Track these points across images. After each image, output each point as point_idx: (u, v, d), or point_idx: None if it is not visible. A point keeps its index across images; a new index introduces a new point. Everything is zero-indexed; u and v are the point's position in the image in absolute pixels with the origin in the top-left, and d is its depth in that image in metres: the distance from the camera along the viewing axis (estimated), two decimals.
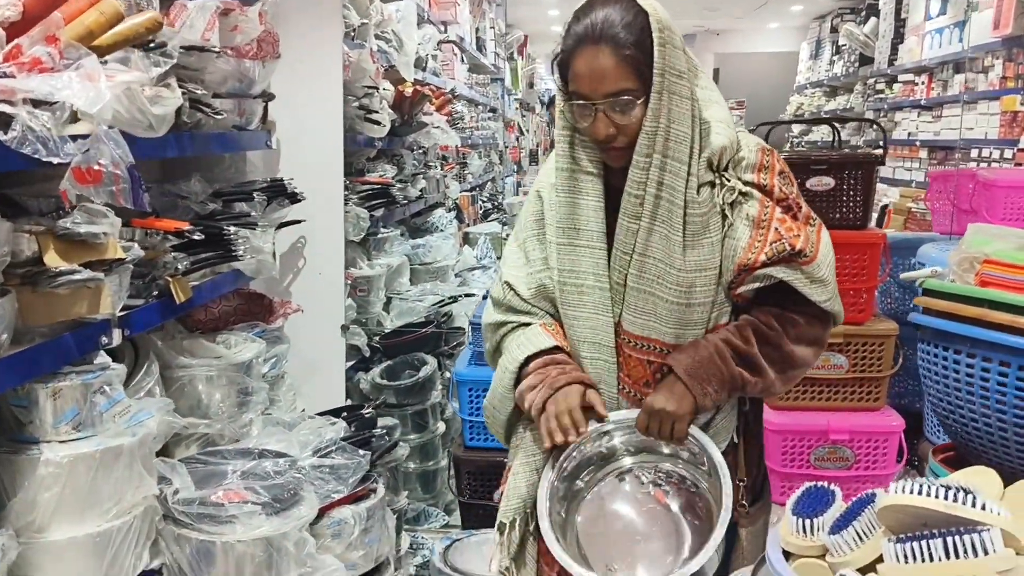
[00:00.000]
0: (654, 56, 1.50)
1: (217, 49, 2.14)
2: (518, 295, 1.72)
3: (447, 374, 3.58)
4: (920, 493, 1.20)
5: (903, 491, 1.22)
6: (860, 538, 1.23)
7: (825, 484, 1.37)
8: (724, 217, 1.57)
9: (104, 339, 1.75)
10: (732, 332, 1.60)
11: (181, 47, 2.03)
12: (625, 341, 1.63)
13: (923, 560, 1.15)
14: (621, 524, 1.62)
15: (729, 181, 1.57)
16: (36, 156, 1.25)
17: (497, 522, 1.71)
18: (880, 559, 1.20)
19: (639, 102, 1.51)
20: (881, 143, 8.60)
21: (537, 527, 1.60)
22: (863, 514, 1.24)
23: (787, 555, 1.31)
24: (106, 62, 1.46)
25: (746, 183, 1.58)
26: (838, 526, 1.25)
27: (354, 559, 2.09)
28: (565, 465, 1.64)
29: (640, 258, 1.57)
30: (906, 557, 1.16)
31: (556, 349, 1.67)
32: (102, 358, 1.77)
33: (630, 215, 1.57)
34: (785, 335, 1.60)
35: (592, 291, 1.62)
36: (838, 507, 1.32)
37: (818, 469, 2.55)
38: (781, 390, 1.65)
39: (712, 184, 1.57)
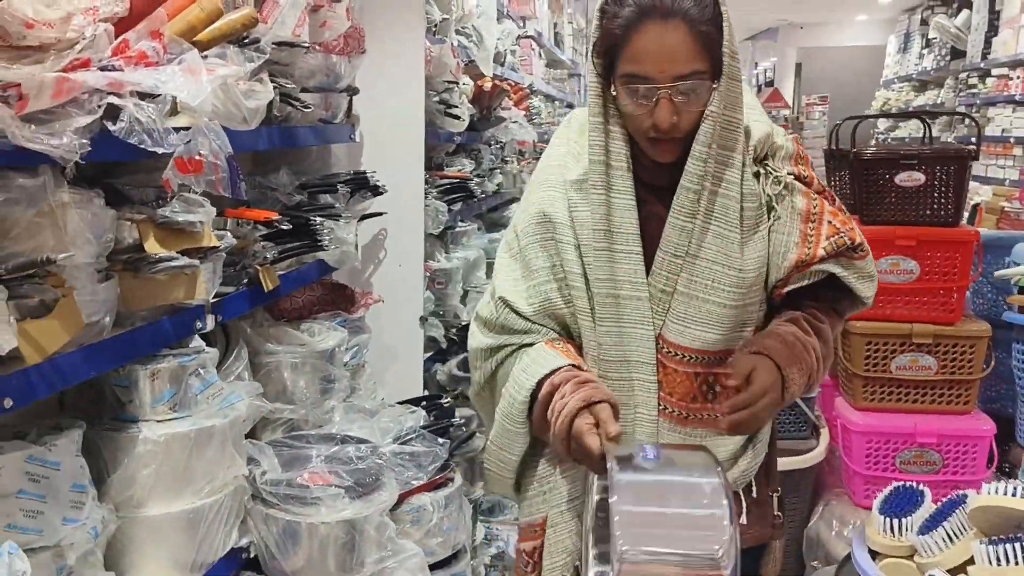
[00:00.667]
0: (723, 34, 1.33)
1: (307, 45, 2.20)
2: (516, 312, 1.49)
3: None
4: (1014, 495, 1.17)
5: (996, 492, 1.19)
6: (950, 539, 1.20)
7: (914, 484, 1.34)
8: (770, 210, 1.44)
9: (199, 324, 1.82)
10: (793, 324, 1.45)
11: (273, 43, 2.09)
12: (667, 354, 1.45)
13: (1016, 563, 1.11)
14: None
15: (776, 171, 1.44)
16: (142, 146, 1.31)
17: None
18: (971, 560, 1.17)
19: (711, 86, 1.34)
20: (974, 140, 8.30)
21: None
22: (954, 515, 1.21)
23: (873, 555, 1.29)
24: (206, 57, 1.52)
25: (788, 174, 1.46)
26: (927, 526, 1.22)
27: (432, 545, 2.12)
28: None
29: (691, 261, 1.41)
30: (998, 559, 1.13)
31: (572, 368, 1.43)
32: (197, 342, 1.83)
33: (686, 213, 1.40)
34: (832, 329, 1.50)
35: (629, 301, 1.43)
36: (927, 507, 1.29)
37: (904, 473, 2.48)
38: (815, 388, 1.56)
39: (757, 175, 1.44)
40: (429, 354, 3.38)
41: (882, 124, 10.86)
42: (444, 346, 3.48)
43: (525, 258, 1.50)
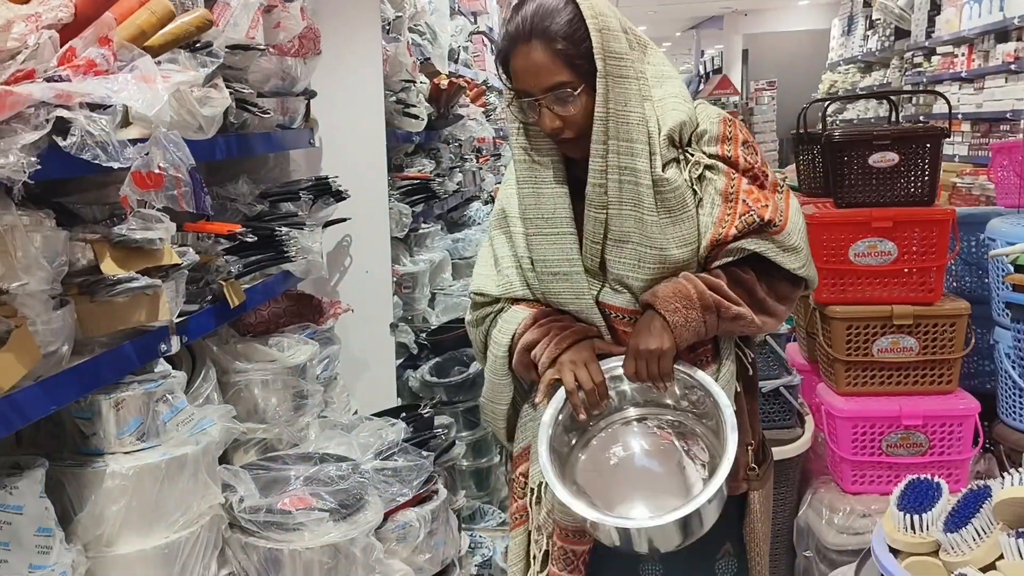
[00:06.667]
0: (592, 44, 1.49)
1: (262, 47, 2.10)
2: (487, 295, 1.72)
3: None
4: None
5: (1020, 483, 1.14)
6: (979, 535, 1.15)
7: (929, 477, 1.30)
8: (694, 192, 1.57)
9: (163, 347, 1.72)
10: (701, 274, 1.59)
11: (226, 46, 1.99)
12: (615, 318, 1.63)
13: None
14: (624, 463, 1.59)
15: (693, 156, 1.57)
16: (96, 162, 1.20)
17: (530, 489, 1.69)
18: (1000, 556, 1.12)
19: (578, 93, 1.51)
20: (923, 118, 8.37)
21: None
22: (981, 510, 1.16)
23: (894, 552, 1.24)
24: (159, 63, 1.42)
25: (710, 156, 1.58)
26: (954, 523, 1.18)
27: (420, 563, 2.04)
28: (564, 410, 1.60)
29: (617, 245, 1.57)
30: None
31: (535, 317, 1.66)
32: (162, 366, 1.73)
33: (596, 205, 1.56)
34: (758, 284, 1.59)
35: (569, 276, 1.61)
36: (946, 501, 1.25)
37: (891, 456, 2.46)
38: (759, 327, 1.60)
39: (677, 160, 1.57)
40: (399, 361, 3.30)
41: (831, 106, 10.95)
42: (415, 351, 3.39)
43: (494, 246, 1.73)
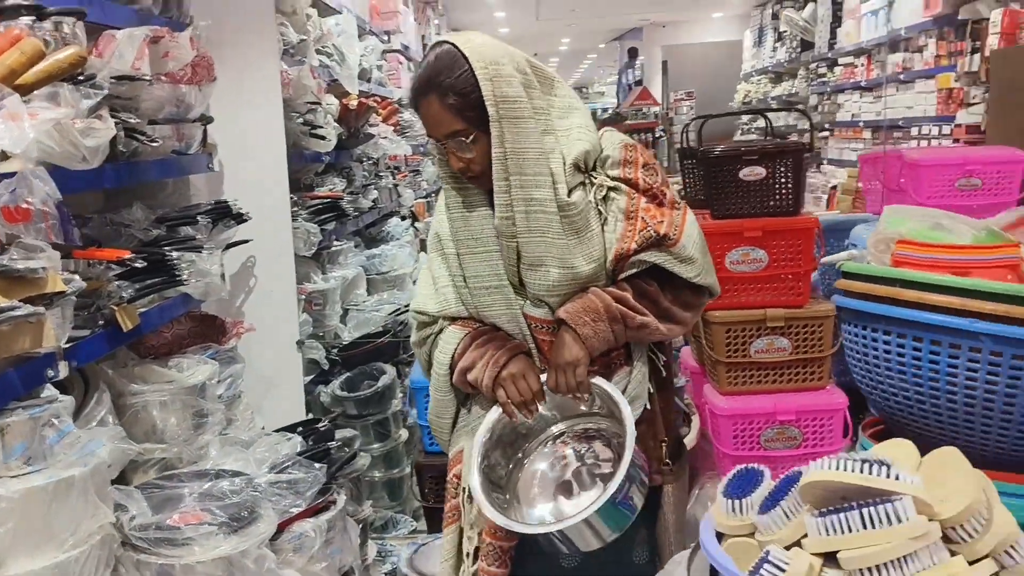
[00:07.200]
0: (482, 92, 1.63)
1: (149, 77, 2.16)
2: (427, 314, 1.86)
3: (407, 382, 3.62)
4: (838, 468, 1.27)
5: (822, 467, 1.28)
6: (787, 516, 1.29)
7: (755, 465, 1.43)
8: (599, 212, 1.73)
9: (50, 372, 1.77)
10: (610, 288, 1.75)
11: (112, 77, 2.05)
12: (537, 328, 1.77)
13: (842, 532, 1.21)
14: (539, 480, 1.78)
15: (596, 179, 1.73)
16: None
17: (463, 490, 1.83)
18: (805, 535, 1.26)
19: (471, 140, 1.68)
20: (828, 125, 8.70)
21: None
22: (790, 493, 1.29)
23: (720, 537, 1.37)
24: (28, 101, 1.48)
25: (613, 179, 1.74)
26: (767, 506, 1.31)
27: (317, 571, 2.12)
28: (497, 428, 1.77)
29: (531, 268, 1.72)
30: (827, 530, 1.22)
31: (470, 334, 1.80)
32: (49, 391, 1.78)
33: (506, 235, 1.71)
34: (662, 294, 1.74)
35: (498, 290, 1.76)
36: (766, 486, 1.38)
37: (768, 450, 2.62)
38: (664, 334, 1.76)
39: (583, 184, 1.73)
40: (311, 377, 3.36)
41: (745, 116, 11.31)
42: (326, 367, 3.46)
43: (431, 269, 1.87)
